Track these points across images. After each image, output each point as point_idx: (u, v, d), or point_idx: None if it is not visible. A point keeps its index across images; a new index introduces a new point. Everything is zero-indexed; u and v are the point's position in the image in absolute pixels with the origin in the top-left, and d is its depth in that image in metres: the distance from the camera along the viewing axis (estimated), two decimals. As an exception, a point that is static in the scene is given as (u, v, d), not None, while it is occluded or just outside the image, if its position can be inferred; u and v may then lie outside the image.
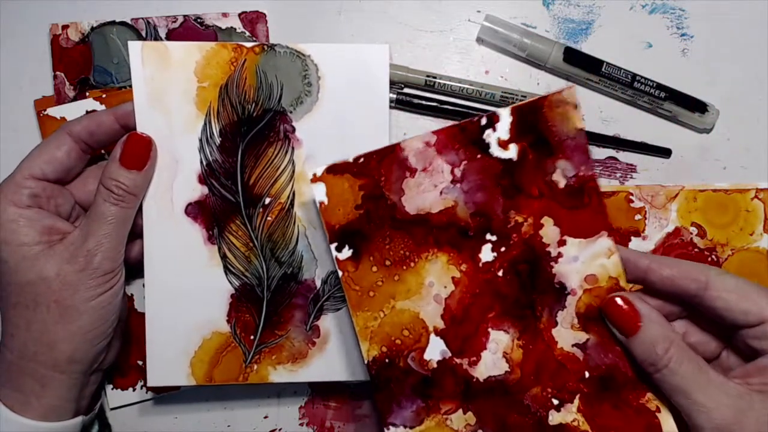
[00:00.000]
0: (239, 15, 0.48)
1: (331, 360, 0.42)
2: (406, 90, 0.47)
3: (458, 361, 0.37)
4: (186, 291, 0.41)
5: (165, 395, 0.47)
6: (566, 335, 0.37)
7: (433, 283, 0.37)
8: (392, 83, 0.47)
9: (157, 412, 0.48)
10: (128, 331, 0.45)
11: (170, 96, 0.40)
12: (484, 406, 0.37)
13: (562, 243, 0.37)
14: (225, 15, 0.47)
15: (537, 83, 0.48)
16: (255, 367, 0.42)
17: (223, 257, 0.41)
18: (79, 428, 0.40)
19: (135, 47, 0.40)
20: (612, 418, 0.36)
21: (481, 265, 0.37)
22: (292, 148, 0.41)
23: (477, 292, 0.37)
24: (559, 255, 0.37)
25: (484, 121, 0.37)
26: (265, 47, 0.40)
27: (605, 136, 0.47)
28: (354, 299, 0.37)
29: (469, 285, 0.37)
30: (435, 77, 0.46)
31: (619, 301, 0.35)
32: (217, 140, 0.40)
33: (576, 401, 0.37)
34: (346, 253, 0.37)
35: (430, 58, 0.48)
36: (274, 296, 0.42)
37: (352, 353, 0.42)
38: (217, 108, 0.40)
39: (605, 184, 0.47)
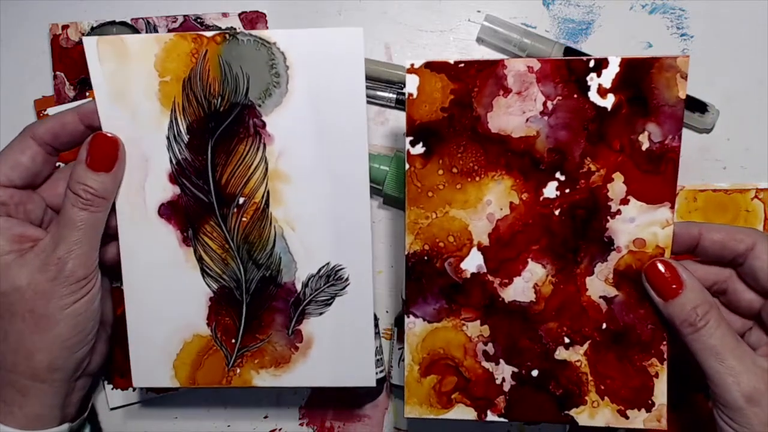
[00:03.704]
0: (239, 15, 0.47)
1: (315, 365, 0.40)
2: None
3: (491, 278, 0.38)
4: (164, 293, 0.39)
5: (165, 395, 0.47)
6: (598, 286, 0.37)
7: (491, 203, 0.37)
8: (392, 83, 0.46)
9: (157, 412, 0.47)
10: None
11: (132, 93, 0.37)
12: (501, 323, 0.38)
13: (624, 202, 0.37)
14: (225, 15, 0.47)
15: (537, 83, 0.48)
16: (238, 370, 0.40)
17: (200, 259, 0.39)
18: None
19: (90, 42, 0.37)
20: (612, 368, 0.37)
21: (541, 199, 0.37)
22: (264, 145, 0.38)
23: (529, 222, 0.37)
24: (618, 212, 0.37)
25: (591, 63, 0.36)
26: (227, 36, 0.37)
27: (605, 136, 0.47)
28: (412, 194, 0.37)
29: (524, 214, 0.37)
30: (435, 77, 0.46)
31: (661, 265, 0.36)
32: (185, 137, 0.38)
33: (586, 345, 0.38)
34: (419, 149, 0.37)
35: (430, 58, 0.48)
36: (253, 299, 0.39)
37: (336, 359, 0.40)
38: (182, 103, 0.38)
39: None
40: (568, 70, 0.36)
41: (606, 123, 0.36)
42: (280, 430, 0.47)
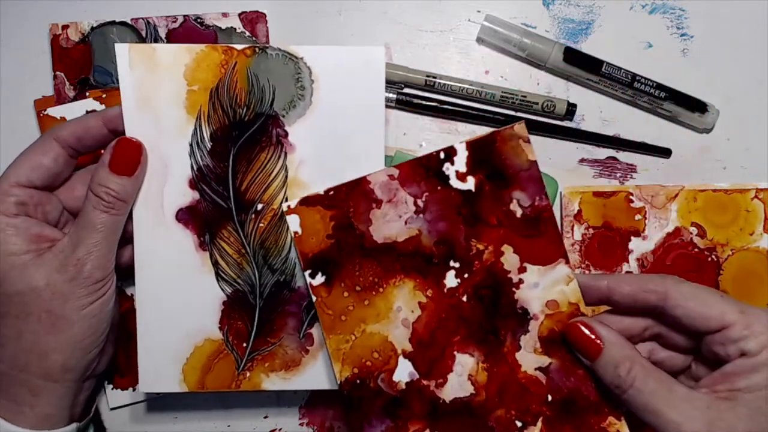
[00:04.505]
0: (239, 15, 0.47)
1: (324, 368, 0.40)
2: (406, 90, 0.46)
3: (426, 382, 0.38)
4: (177, 298, 0.39)
5: (165, 395, 0.47)
6: (529, 359, 0.37)
7: (401, 308, 0.38)
8: (392, 83, 0.46)
9: (157, 412, 0.47)
10: (128, 331, 0.44)
11: (159, 100, 0.38)
12: (450, 427, 0.38)
13: (522, 270, 0.38)
14: (225, 15, 0.47)
15: (537, 83, 0.47)
16: (248, 374, 0.40)
17: (215, 264, 0.39)
18: None
19: (122, 49, 0.38)
20: None
21: (446, 290, 0.38)
22: (285, 154, 0.39)
23: (443, 316, 0.38)
24: (521, 281, 0.38)
25: (442, 155, 0.38)
26: (257, 49, 0.38)
27: (605, 136, 0.46)
28: (327, 323, 0.38)
29: (435, 310, 0.38)
30: (435, 77, 0.46)
31: (580, 326, 0.35)
32: (208, 145, 0.39)
33: (539, 424, 0.37)
34: (319, 279, 0.38)
35: (430, 58, 0.47)
36: (266, 303, 0.40)
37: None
38: (208, 112, 0.38)
39: (605, 183, 0.47)
40: (424, 167, 0.38)
41: (476, 203, 0.38)
42: (280, 430, 0.47)
